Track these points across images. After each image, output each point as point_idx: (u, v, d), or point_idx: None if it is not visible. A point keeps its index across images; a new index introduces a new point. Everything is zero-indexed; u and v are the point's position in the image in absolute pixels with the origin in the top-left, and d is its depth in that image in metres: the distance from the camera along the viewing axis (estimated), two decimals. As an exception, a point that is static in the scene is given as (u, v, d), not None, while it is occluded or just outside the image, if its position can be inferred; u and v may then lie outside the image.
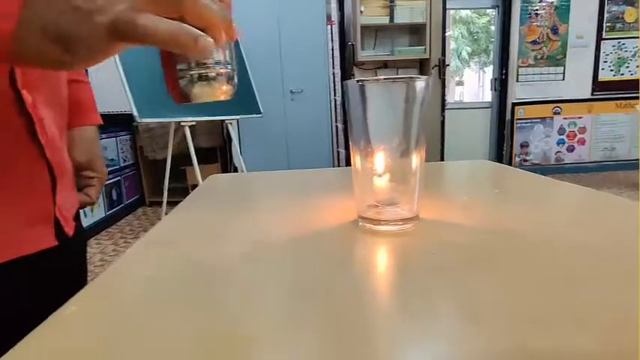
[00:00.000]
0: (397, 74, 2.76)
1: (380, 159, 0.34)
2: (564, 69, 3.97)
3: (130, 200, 3.22)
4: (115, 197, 2.99)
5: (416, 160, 0.34)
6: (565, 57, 3.95)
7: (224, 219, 0.39)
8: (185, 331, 0.20)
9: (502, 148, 4.14)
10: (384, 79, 0.33)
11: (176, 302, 0.23)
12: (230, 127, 2.86)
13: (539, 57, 3.95)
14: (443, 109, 3.44)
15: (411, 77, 0.32)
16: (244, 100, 2.78)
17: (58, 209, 0.39)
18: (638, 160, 3.92)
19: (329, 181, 0.58)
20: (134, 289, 0.25)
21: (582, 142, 4.10)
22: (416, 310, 0.21)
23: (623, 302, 0.21)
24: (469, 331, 0.19)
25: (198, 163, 2.46)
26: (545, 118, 4.05)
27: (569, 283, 0.23)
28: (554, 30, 3.90)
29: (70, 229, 0.42)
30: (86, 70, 3.37)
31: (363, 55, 3.54)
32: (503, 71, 4.00)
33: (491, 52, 4.37)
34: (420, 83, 0.33)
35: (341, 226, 0.35)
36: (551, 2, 3.86)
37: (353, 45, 3.43)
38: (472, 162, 0.67)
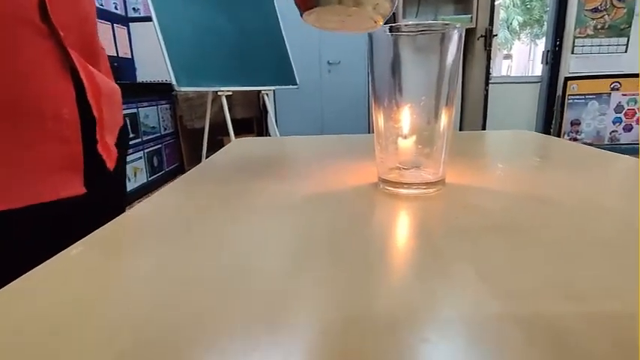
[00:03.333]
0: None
1: (405, 117, 0.32)
2: (628, 40, 3.61)
3: (170, 167, 3.34)
4: (156, 164, 3.11)
5: (444, 120, 0.32)
6: (630, 27, 3.57)
7: (242, 177, 0.39)
8: (183, 277, 0.19)
9: (550, 126, 3.89)
10: (415, 26, 0.30)
11: (182, 248, 0.22)
12: (266, 98, 2.87)
13: (599, 27, 3.60)
14: (487, 83, 3.25)
15: (445, 24, 0.29)
16: (280, 70, 2.76)
17: (102, 143, 0.40)
18: None
19: (356, 145, 0.56)
20: (147, 235, 0.25)
21: (642, 121, 3.77)
22: (428, 271, 0.19)
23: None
24: (484, 295, 0.17)
25: (235, 134, 2.50)
26: (601, 94, 3.74)
27: (603, 253, 0.20)
28: (620, -4, 3.53)
29: (111, 162, 0.42)
30: (129, 40, 3.44)
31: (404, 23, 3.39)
32: (557, 42, 3.70)
33: (545, 23, 4.04)
34: (455, 34, 0.30)
35: (360, 188, 0.34)
36: (619, -36, 3.48)
37: (394, 13, 3.28)
38: (513, 131, 0.62)
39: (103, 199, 0.43)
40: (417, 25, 0.30)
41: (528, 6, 10.91)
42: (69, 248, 0.23)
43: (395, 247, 0.23)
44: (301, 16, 0.23)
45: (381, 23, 0.24)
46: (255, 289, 0.18)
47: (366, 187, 0.34)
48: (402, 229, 0.26)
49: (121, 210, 0.50)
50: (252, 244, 0.23)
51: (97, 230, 0.25)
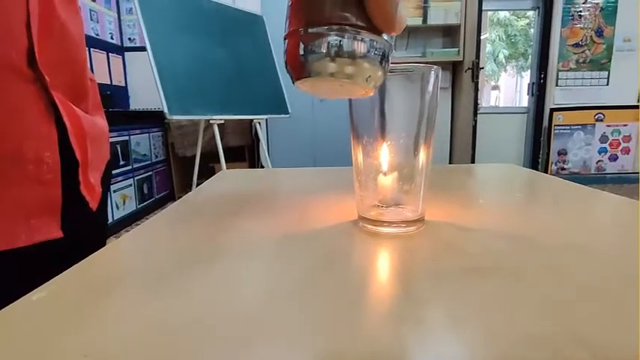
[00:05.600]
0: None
1: (384, 155, 0.32)
2: (609, 74, 3.75)
3: (160, 195, 3.31)
4: (146, 191, 3.08)
5: (423, 157, 0.32)
6: (610, 61, 3.73)
7: (221, 214, 0.38)
8: (147, 325, 0.18)
9: (538, 155, 3.97)
10: (394, 65, 0.30)
11: (152, 293, 0.21)
12: (258, 127, 2.89)
13: (581, 61, 3.75)
14: (475, 114, 3.33)
15: (425, 65, 0.30)
16: (273, 99, 2.80)
17: (85, 184, 0.39)
18: (689, 172, 3.64)
19: (341, 178, 0.55)
20: (114, 280, 0.24)
21: (626, 151, 3.86)
22: (400, 316, 0.19)
23: (636, 326, 0.17)
24: (454, 340, 0.16)
25: (227, 162, 2.50)
26: (586, 125, 3.84)
27: (581, 298, 0.20)
28: (599, 32, 3.70)
29: (95, 202, 0.41)
30: (124, 68, 3.48)
31: (395, 56, 3.49)
32: (542, 75, 3.83)
33: (530, 56, 4.19)
34: (432, 74, 0.31)
35: (339, 226, 0.33)
36: (597, 3, 3.65)
37: (384, 46, 3.38)
38: (497, 165, 0.63)
39: (84, 236, 0.42)
40: (396, 64, 0.30)
41: (513, 40, 11.36)
42: (30, 293, 0.22)
43: (369, 291, 0.22)
44: (293, 83, 0.23)
45: (373, 92, 0.25)
46: (221, 336, 0.17)
47: (345, 225, 0.33)
48: (378, 271, 0.26)
49: (101, 246, 0.48)
50: (223, 287, 0.22)
51: (62, 273, 0.24)
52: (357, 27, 0.21)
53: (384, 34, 0.22)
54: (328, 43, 0.21)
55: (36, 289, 0.22)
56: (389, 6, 0.20)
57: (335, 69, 0.21)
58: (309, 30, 0.21)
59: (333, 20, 0.21)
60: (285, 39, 0.22)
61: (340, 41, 0.21)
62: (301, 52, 0.21)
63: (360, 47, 0.21)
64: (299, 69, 0.22)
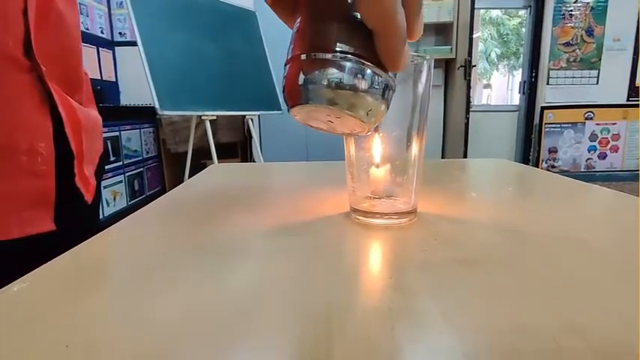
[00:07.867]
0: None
1: (377, 146, 0.31)
2: (599, 72, 3.79)
3: (151, 191, 3.28)
4: (137, 188, 3.04)
5: (415, 149, 0.31)
6: (600, 60, 3.77)
7: (213, 207, 0.38)
8: (131, 313, 0.18)
9: (529, 153, 4.00)
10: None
11: (136, 285, 0.21)
12: (250, 123, 2.87)
13: (571, 60, 3.78)
14: (467, 111, 3.34)
15: (418, 55, 0.29)
16: (265, 96, 2.79)
17: (80, 176, 0.38)
18: (676, 170, 3.70)
19: (333, 172, 0.55)
20: (99, 269, 0.23)
21: (615, 149, 3.91)
22: (392, 306, 0.18)
23: (628, 316, 0.17)
24: (447, 331, 0.16)
25: (219, 158, 2.48)
26: (576, 123, 3.88)
27: (572, 289, 0.20)
28: (589, 32, 3.73)
29: (90, 195, 0.41)
30: (115, 63, 3.43)
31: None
32: (533, 74, 3.86)
33: (522, 55, 4.22)
34: (425, 65, 0.30)
35: (331, 218, 0.33)
36: (587, 3, 3.69)
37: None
38: (489, 160, 0.63)
39: (77, 229, 0.41)
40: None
41: (505, 39, 11.44)
42: (12, 284, 0.21)
43: (361, 282, 0.22)
44: (288, 111, 0.22)
45: (369, 130, 0.23)
46: (207, 329, 0.17)
47: (337, 218, 0.33)
48: (370, 263, 0.25)
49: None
50: (210, 281, 0.22)
51: (45, 264, 0.23)
52: (362, 58, 0.19)
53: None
54: (331, 71, 0.19)
55: (18, 280, 0.21)
56: (397, 44, 0.19)
57: (335, 98, 0.19)
58: (312, 56, 0.19)
59: (338, 48, 0.19)
60: (285, 65, 0.21)
61: (343, 71, 0.19)
62: (301, 78, 0.20)
63: (364, 79, 0.20)
64: (296, 95, 0.20)
